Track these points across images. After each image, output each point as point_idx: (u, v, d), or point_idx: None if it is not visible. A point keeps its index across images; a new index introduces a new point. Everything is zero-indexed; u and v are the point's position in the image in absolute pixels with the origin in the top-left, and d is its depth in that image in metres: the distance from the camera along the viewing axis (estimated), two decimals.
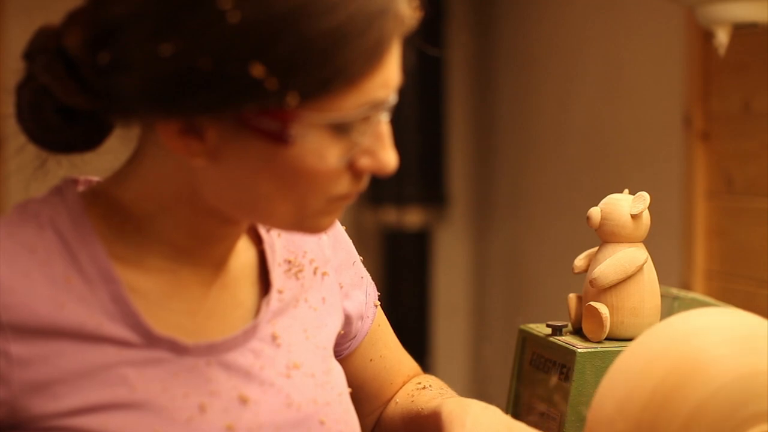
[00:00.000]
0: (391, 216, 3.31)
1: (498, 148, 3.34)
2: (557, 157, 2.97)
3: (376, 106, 0.90)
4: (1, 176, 2.79)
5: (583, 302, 1.23)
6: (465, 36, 3.37)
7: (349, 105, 0.88)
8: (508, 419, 1.09)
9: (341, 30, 0.85)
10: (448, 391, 1.21)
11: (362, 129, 0.90)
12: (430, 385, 1.22)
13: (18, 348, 0.89)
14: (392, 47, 0.89)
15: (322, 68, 0.86)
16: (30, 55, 0.93)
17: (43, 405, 0.90)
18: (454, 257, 3.48)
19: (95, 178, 0.99)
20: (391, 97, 0.91)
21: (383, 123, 0.92)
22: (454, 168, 3.43)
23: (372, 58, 0.88)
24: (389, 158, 0.92)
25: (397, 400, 1.22)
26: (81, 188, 0.98)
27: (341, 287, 1.12)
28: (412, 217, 3.32)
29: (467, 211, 3.48)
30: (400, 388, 1.23)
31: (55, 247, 0.93)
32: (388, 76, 0.90)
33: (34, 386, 0.90)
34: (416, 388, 1.22)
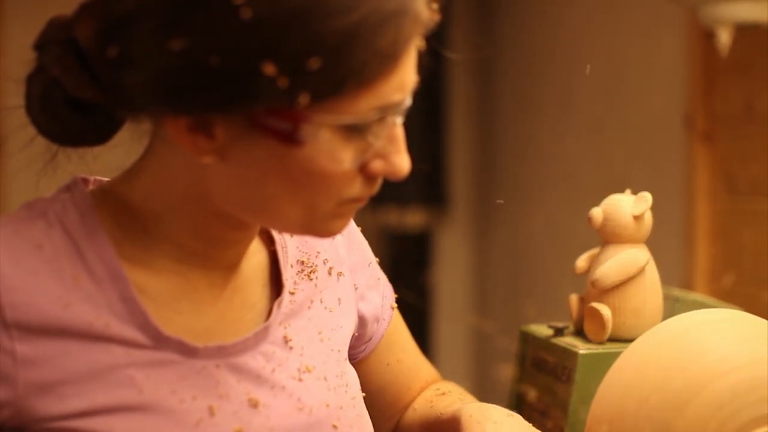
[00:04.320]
0: (392, 217, 3.31)
1: (499, 148, 3.34)
2: (559, 158, 2.96)
3: (391, 108, 0.88)
4: (3, 175, 2.79)
5: (584, 303, 1.22)
6: (466, 36, 3.37)
7: (362, 107, 0.86)
8: (530, 427, 1.06)
9: (355, 30, 0.83)
10: (469, 397, 1.18)
11: (376, 131, 0.88)
12: (450, 391, 1.18)
13: (24, 347, 0.88)
14: (409, 49, 0.87)
15: (335, 69, 0.83)
16: (41, 46, 0.91)
17: (48, 406, 0.89)
18: (456, 258, 3.47)
19: (105, 179, 0.98)
20: (407, 100, 0.89)
21: (397, 125, 0.90)
22: (455, 168, 3.42)
23: (387, 60, 0.85)
24: (402, 162, 0.90)
25: (416, 406, 1.18)
26: (91, 187, 0.96)
27: (356, 288, 1.10)
28: (413, 218, 3.32)
29: (468, 211, 3.47)
30: (419, 394, 1.20)
31: (62, 245, 0.91)
32: (404, 79, 0.87)
33: (40, 387, 0.89)
34: (435, 393, 1.18)
